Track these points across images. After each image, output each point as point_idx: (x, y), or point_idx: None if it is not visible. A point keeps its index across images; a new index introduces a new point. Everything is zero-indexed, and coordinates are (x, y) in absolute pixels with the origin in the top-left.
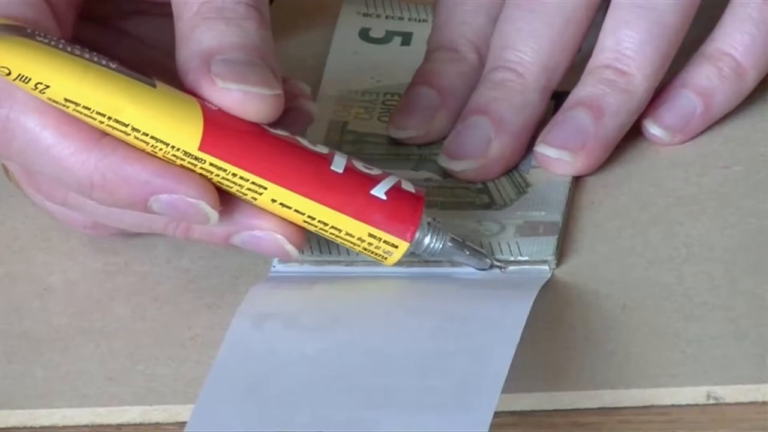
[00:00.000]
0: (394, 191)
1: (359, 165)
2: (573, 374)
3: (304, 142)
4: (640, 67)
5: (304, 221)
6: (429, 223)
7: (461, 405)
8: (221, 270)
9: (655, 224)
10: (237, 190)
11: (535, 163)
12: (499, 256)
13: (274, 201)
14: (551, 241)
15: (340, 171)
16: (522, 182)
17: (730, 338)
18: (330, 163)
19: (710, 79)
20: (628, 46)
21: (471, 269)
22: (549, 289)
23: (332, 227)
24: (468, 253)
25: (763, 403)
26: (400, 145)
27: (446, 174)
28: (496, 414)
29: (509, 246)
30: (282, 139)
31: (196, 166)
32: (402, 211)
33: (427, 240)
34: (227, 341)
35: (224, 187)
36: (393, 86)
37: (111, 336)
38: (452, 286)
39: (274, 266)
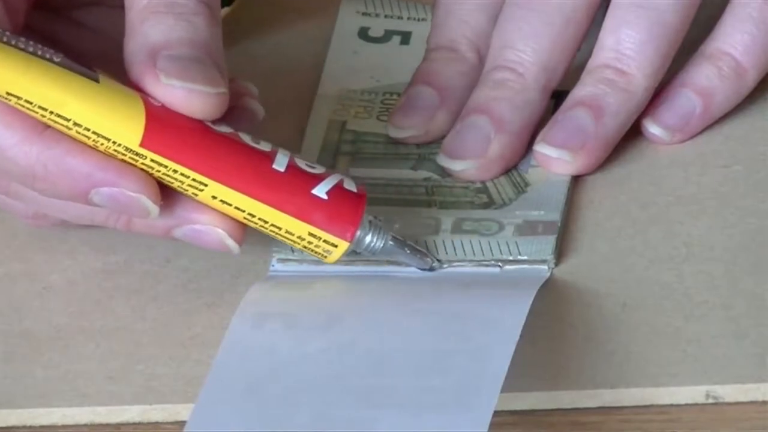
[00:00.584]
0: (336, 190)
1: (302, 163)
2: (573, 373)
3: (247, 140)
4: (641, 66)
5: (245, 218)
6: (370, 222)
7: (461, 404)
8: (221, 269)
9: (654, 223)
10: (178, 186)
11: (534, 163)
12: (498, 256)
13: (214, 198)
14: (550, 241)
15: (282, 169)
16: (521, 182)
17: (730, 338)
18: (272, 162)
19: (710, 78)
20: (629, 46)
21: (472, 269)
22: (548, 289)
23: (272, 225)
24: (408, 252)
25: (763, 402)
26: (399, 144)
27: (445, 173)
28: (496, 413)
29: (508, 245)
30: (224, 137)
31: (137, 161)
32: (342, 211)
33: (367, 239)
34: (227, 341)
35: (165, 182)
36: (392, 85)
37: (111, 335)
38: (452, 286)
39: (273, 266)
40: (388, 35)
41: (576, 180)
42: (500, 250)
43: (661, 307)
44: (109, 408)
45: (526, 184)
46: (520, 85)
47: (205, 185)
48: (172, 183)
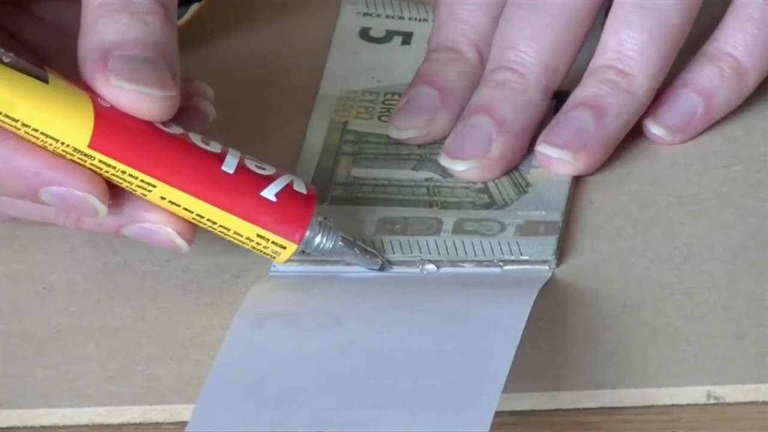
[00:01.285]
0: (285, 193)
1: (252, 165)
2: (573, 374)
3: (197, 141)
4: (642, 67)
5: (193, 218)
6: (320, 223)
7: (461, 405)
8: (221, 270)
9: (655, 224)
10: (127, 186)
11: (535, 163)
12: (499, 256)
13: (163, 198)
14: (551, 241)
15: (231, 171)
16: (522, 182)
17: (731, 338)
18: (221, 163)
19: (711, 79)
20: (630, 47)
21: (473, 270)
22: (549, 289)
23: (221, 226)
24: (358, 252)
25: (764, 402)
26: (400, 145)
27: (447, 173)
28: (496, 414)
29: (509, 246)
30: (174, 138)
31: (86, 161)
32: (291, 214)
33: (317, 239)
34: (227, 341)
35: (115, 182)
36: (393, 86)
37: (111, 335)
38: (452, 286)
39: (274, 266)
40: (389, 35)
41: (577, 180)
42: (501, 251)
43: (661, 307)
44: (110, 408)
45: (528, 185)
46: (521, 85)
47: (154, 186)
48: (121, 183)
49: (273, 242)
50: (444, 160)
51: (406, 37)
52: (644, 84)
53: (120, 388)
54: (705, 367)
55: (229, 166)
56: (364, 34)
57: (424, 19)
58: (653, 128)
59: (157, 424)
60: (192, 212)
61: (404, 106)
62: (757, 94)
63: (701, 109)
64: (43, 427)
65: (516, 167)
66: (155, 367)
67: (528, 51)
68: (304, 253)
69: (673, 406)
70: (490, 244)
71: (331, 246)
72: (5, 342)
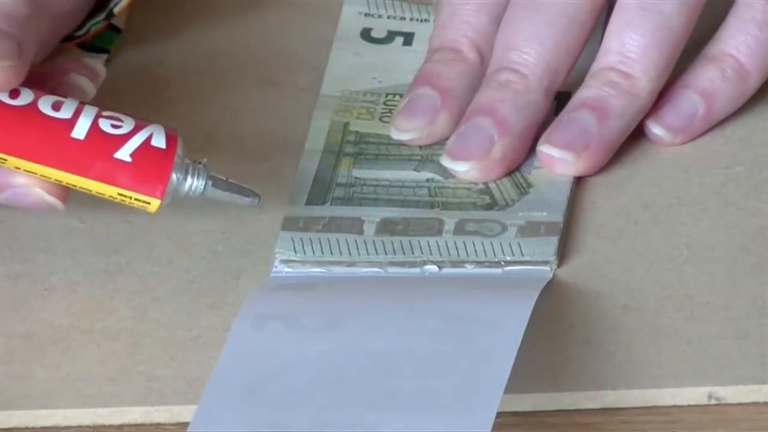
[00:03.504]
0: (141, 151)
1: (107, 125)
2: (574, 375)
3: (46, 108)
4: (645, 69)
5: (55, 182)
6: (189, 167)
7: (463, 406)
8: (222, 270)
9: (656, 225)
10: None
11: (537, 164)
12: (500, 257)
13: (18, 168)
14: (553, 242)
15: (81, 137)
16: (524, 183)
17: (732, 338)
18: (71, 130)
19: (713, 80)
20: (633, 49)
21: (475, 270)
22: (550, 290)
23: (82, 188)
24: (231, 192)
25: (765, 403)
26: (402, 146)
27: (448, 174)
28: (498, 414)
29: (511, 246)
30: (18, 109)
31: None
32: (148, 171)
33: (186, 186)
34: (229, 342)
35: None
36: (395, 86)
37: (112, 336)
38: (454, 287)
39: (275, 267)
40: (390, 36)
41: (578, 181)
42: (503, 251)
43: (662, 308)
44: (111, 409)
45: (529, 186)
46: (523, 86)
47: (5, 159)
48: None
49: (136, 199)
50: (446, 161)
51: (408, 38)
52: (646, 86)
53: (121, 389)
54: (706, 368)
55: (80, 131)
56: (366, 34)
57: (426, 20)
58: (654, 129)
59: (158, 425)
60: (50, 178)
61: (405, 107)
62: (759, 95)
63: (703, 110)
64: (44, 428)
65: (517, 168)
66: (156, 368)
67: (530, 52)
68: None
69: (674, 406)
70: (492, 244)
71: (202, 189)
72: (6, 343)
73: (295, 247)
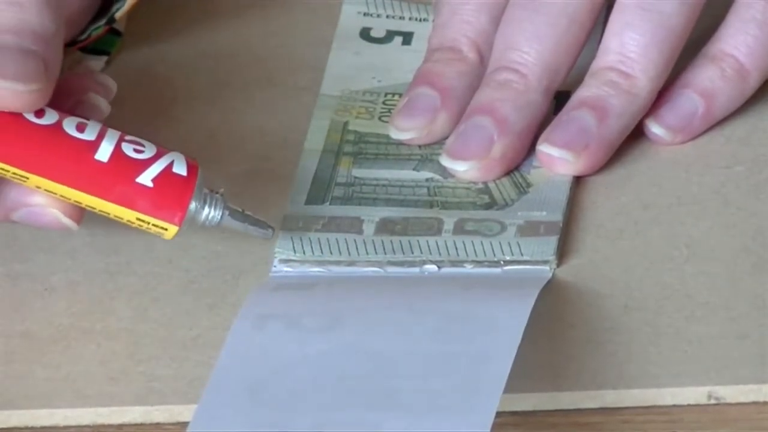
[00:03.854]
0: (163, 176)
1: (130, 149)
2: (574, 374)
3: (70, 129)
4: (644, 69)
5: (74, 203)
6: (206, 196)
7: (462, 406)
8: (222, 270)
9: (656, 224)
10: (3, 176)
11: (536, 164)
12: (500, 256)
13: (39, 187)
14: (552, 241)
15: (105, 159)
16: (523, 182)
17: (732, 338)
18: (94, 152)
19: (712, 80)
20: (632, 49)
21: (474, 270)
22: (550, 289)
23: (100, 211)
24: (248, 223)
25: (765, 403)
26: (401, 145)
27: (448, 174)
28: (497, 414)
29: (510, 246)
30: (43, 129)
31: None
32: (168, 197)
33: (204, 215)
34: (229, 342)
35: None
36: (394, 86)
37: (112, 336)
38: (453, 287)
39: (274, 266)
40: (389, 36)
41: (578, 180)
42: (502, 251)
43: (662, 307)
44: (111, 409)
45: (528, 185)
46: (523, 86)
47: (27, 178)
48: None
49: (154, 224)
50: (445, 161)
51: (407, 38)
52: (646, 85)
53: (121, 389)
54: (706, 368)
55: (103, 154)
56: (365, 34)
57: (425, 19)
58: (654, 128)
59: (158, 425)
60: (69, 199)
61: (404, 107)
62: (759, 95)
63: (702, 109)
64: (44, 427)
65: (517, 168)
66: (156, 368)
67: (529, 51)
68: (195, 225)
69: (674, 406)
70: (491, 244)
71: (219, 219)
72: (6, 343)
73: (294, 247)
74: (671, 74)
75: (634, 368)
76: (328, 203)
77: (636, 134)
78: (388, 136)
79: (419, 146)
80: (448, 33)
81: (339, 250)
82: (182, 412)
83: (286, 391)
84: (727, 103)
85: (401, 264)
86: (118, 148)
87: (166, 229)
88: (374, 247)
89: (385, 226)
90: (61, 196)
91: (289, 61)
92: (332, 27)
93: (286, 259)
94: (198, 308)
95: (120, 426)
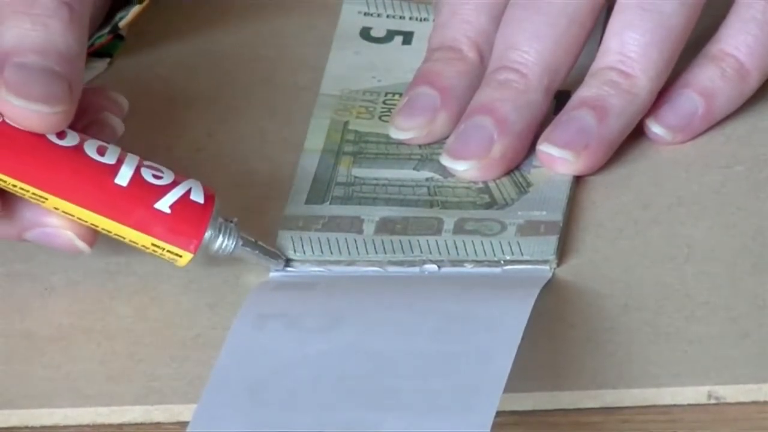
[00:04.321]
0: (180, 203)
1: (149, 174)
2: (574, 374)
3: (91, 152)
4: (644, 69)
5: (90, 226)
6: (221, 225)
7: (462, 406)
8: (222, 270)
9: (656, 224)
10: (22, 195)
11: (536, 163)
12: (500, 256)
13: (56, 209)
14: (552, 241)
15: (125, 184)
16: (523, 182)
17: (732, 338)
18: (114, 176)
19: (713, 79)
20: (633, 49)
21: (474, 270)
22: (550, 289)
23: (116, 234)
24: (260, 253)
25: (765, 402)
26: (401, 145)
27: (448, 173)
28: (497, 414)
29: (510, 246)
30: (65, 151)
31: None
32: (185, 225)
33: (218, 243)
34: (229, 342)
35: (11, 192)
36: (394, 86)
37: (112, 336)
38: (454, 287)
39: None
40: (390, 35)
41: (578, 180)
42: (502, 251)
43: (662, 307)
44: (111, 408)
45: (528, 185)
46: (523, 85)
47: (46, 198)
48: (16, 193)
49: (169, 251)
50: (445, 160)
51: (407, 37)
52: (646, 85)
53: (121, 389)
54: (706, 368)
55: (123, 178)
56: (365, 33)
57: (425, 19)
58: (654, 128)
59: (158, 425)
60: (86, 222)
61: (404, 107)
62: (759, 95)
63: (702, 109)
64: (44, 427)
65: (517, 167)
66: (156, 368)
67: (530, 51)
68: (208, 254)
69: (674, 406)
70: (491, 244)
71: (232, 248)
72: (6, 342)
73: (294, 247)
74: (671, 74)
75: (634, 368)
76: (328, 203)
77: (636, 134)
78: (388, 136)
79: (419, 146)
80: (449, 33)
81: (339, 249)
82: (182, 412)
83: (286, 391)
84: (727, 103)
85: (401, 263)
86: (137, 173)
87: (180, 256)
88: (374, 246)
89: (385, 226)
90: (78, 218)
91: (289, 61)
92: (332, 27)
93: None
94: (198, 308)
95: (120, 426)
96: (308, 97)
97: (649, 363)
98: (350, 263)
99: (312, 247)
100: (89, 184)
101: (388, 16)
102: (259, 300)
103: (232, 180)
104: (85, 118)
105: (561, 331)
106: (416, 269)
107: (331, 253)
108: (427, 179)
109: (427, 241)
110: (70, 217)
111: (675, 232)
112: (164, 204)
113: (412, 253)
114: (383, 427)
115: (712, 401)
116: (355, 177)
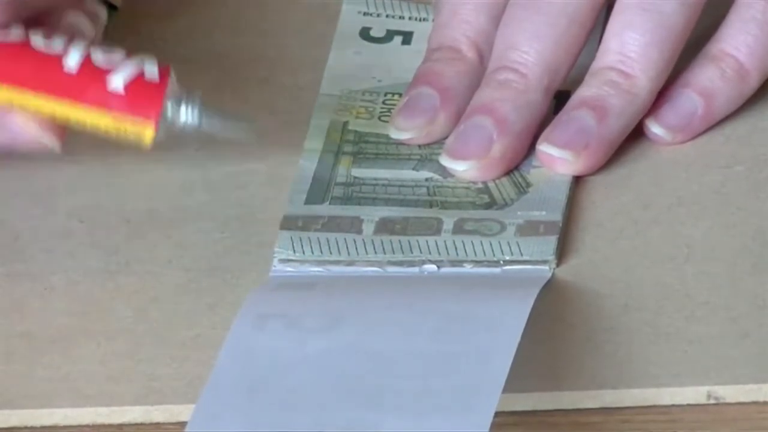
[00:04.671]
0: (136, 78)
1: (99, 56)
2: (574, 374)
3: (38, 43)
4: (644, 69)
5: (50, 117)
6: (184, 95)
7: (461, 406)
8: (222, 270)
9: (656, 224)
10: None
11: (536, 163)
12: (499, 256)
13: (11, 102)
14: (552, 241)
15: (74, 70)
16: (523, 182)
17: (731, 338)
18: (64, 59)
19: (712, 80)
20: (633, 49)
21: (473, 270)
22: (550, 289)
23: (77, 121)
24: (226, 121)
25: (765, 402)
26: (401, 145)
27: (447, 173)
28: (497, 414)
29: (510, 246)
30: (10, 45)
31: None
32: (142, 95)
33: (181, 115)
34: (228, 342)
35: None
36: (394, 86)
37: (112, 336)
38: (453, 287)
39: (274, 266)
40: (389, 35)
41: (577, 180)
42: (502, 251)
43: (662, 307)
44: (111, 408)
45: (528, 185)
46: (523, 85)
47: None
48: None
49: (132, 128)
50: (445, 160)
51: (407, 37)
52: (646, 85)
53: (121, 389)
54: (706, 368)
55: (71, 65)
56: (365, 33)
57: (425, 19)
58: (654, 128)
59: (158, 425)
60: (44, 111)
61: (404, 107)
62: (759, 95)
63: (702, 109)
64: (44, 427)
65: (516, 167)
66: (156, 368)
67: (529, 51)
68: (173, 128)
69: (673, 406)
70: (491, 244)
71: (197, 119)
72: (6, 342)
73: (294, 247)
74: (671, 74)
75: (634, 368)
76: (327, 203)
77: (636, 134)
78: (387, 136)
79: (419, 146)
80: (448, 33)
81: (339, 249)
82: (182, 412)
83: (286, 391)
84: (726, 103)
85: (401, 264)
86: (87, 58)
87: (145, 131)
88: (374, 246)
89: (385, 226)
90: (36, 109)
91: (289, 61)
92: (332, 27)
93: (285, 259)
94: (198, 308)
95: (120, 426)
96: (308, 97)
97: (649, 363)
98: (350, 263)
99: (311, 247)
100: (38, 74)
101: (387, 16)
102: (259, 300)
103: (232, 180)
104: (48, 20)
105: (561, 331)
106: (416, 269)
107: (331, 253)
108: (426, 179)
109: (427, 241)
110: (28, 110)
111: (675, 232)
112: (118, 78)
113: (412, 253)
114: (383, 427)
115: (712, 401)
116: (355, 177)
